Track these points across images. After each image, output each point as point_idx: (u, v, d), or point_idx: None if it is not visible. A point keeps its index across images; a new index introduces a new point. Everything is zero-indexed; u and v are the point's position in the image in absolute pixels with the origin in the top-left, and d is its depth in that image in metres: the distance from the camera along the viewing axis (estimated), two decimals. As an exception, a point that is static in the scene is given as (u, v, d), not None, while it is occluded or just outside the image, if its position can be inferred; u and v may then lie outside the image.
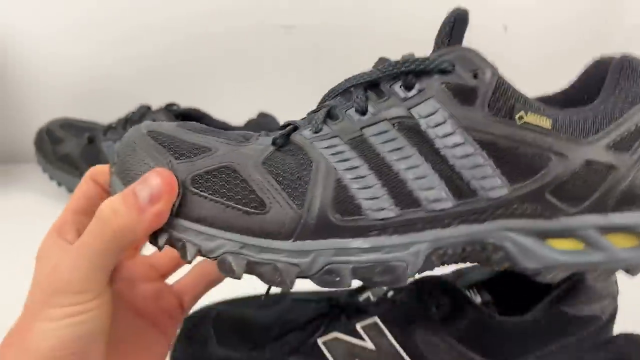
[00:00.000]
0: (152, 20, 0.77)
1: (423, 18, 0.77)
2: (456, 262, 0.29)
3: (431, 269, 0.29)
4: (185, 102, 0.70)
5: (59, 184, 0.67)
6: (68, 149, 0.68)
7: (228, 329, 0.43)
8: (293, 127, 0.30)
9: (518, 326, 0.37)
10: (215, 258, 0.27)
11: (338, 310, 0.41)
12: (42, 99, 0.80)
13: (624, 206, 0.29)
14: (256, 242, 0.27)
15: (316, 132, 0.29)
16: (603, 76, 0.31)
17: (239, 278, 0.27)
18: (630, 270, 0.30)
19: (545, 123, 0.28)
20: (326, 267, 0.27)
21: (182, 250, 0.27)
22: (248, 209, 0.27)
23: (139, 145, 0.28)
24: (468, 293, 0.40)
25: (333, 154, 0.28)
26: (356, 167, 0.28)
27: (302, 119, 0.31)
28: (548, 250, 0.29)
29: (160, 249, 0.28)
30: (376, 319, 0.38)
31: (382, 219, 0.28)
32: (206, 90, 0.76)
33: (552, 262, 0.29)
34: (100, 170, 0.31)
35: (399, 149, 0.28)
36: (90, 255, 0.26)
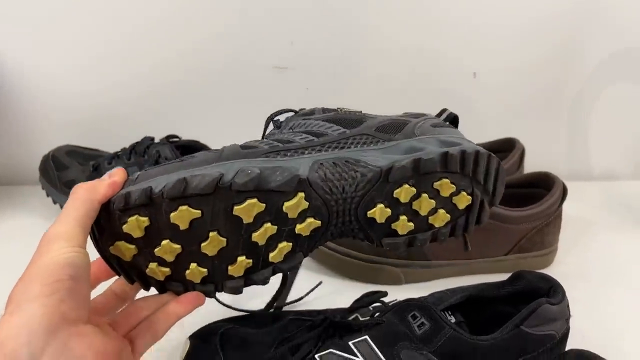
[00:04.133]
0: (154, 59, 0.82)
1: (411, 62, 0.84)
2: (331, 172, 0.40)
3: (316, 174, 0.40)
4: (185, 134, 0.75)
5: (62, 207, 0.71)
6: (73, 175, 0.72)
7: (233, 345, 0.48)
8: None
9: (487, 343, 0.44)
10: (161, 190, 0.36)
11: (332, 329, 0.47)
12: (49, 127, 0.84)
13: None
14: (190, 172, 0.38)
15: None
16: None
17: (182, 195, 0.36)
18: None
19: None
20: (240, 169, 0.37)
21: (142, 192, 0.36)
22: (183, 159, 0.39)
23: None
24: (444, 314, 0.46)
25: None
26: None
27: None
28: (388, 156, 0.42)
29: (131, 200, 0.37)
30: (366, 337, 0.44)
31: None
32: (206, 124, 0.81)
33: (392, 160, 0.41)
34: None
35: None
36: (70, 213, 0.36)
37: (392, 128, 0.45)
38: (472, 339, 0.44)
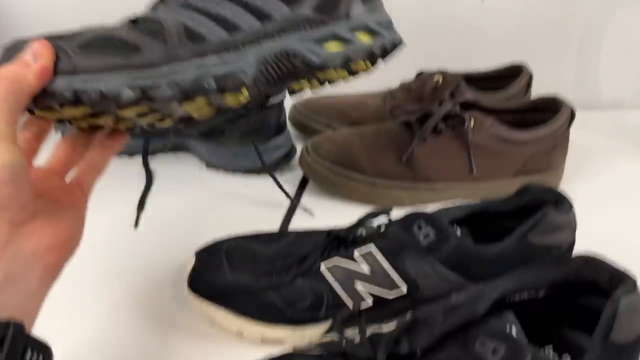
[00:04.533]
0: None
1: None
2: (276, 72, 0.39)
3: (261, 74, 0.38)
4: None
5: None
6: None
7: (238, 259, 0.48)
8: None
9: (492, 253, 0.44)
10: (115, 94, 0.34)
11: (337, 242, 0.47)
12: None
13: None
14: (142, 73, 0.35)
15: None
16: None
17: (137, 103, 0.35)
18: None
19: None
20: (195, 78, 0.36)
21: (89, 96, 0.34)
22: (127, 54, 0.35)
23: (26, 40, 0.35)
24: (450, 226, 0.46)
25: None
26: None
27: None
28: (324, 50, 0.40)
29: (66, 100, 0.34)
30: (372, 247, 0.44)
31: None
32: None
33: (327, 55, 0.39)
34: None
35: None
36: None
37: (328, 8, 0.41)
38: (478, 249, 0.44)
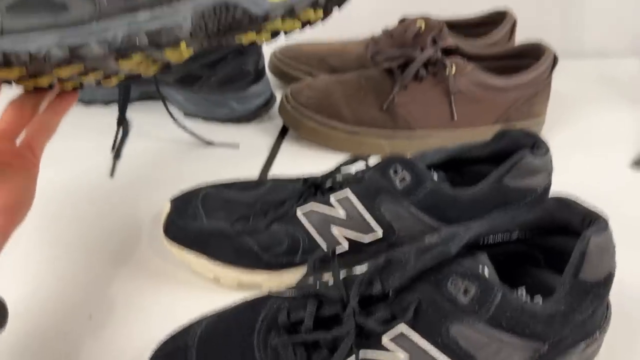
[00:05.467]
0: None
1: None
2: (216, 25, 0.37)
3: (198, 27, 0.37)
4: None
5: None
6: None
7: (214, 205, 0.48)
8: None
9: (468, 196, 0.44)
10: (45, 54, 0.33)
11: (314, 188, 0.47)
12: None
13: None
14: (71, 32, 0.34)
15: None
16: None
17: (69, 62, 0.34)
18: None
19: None
20: (126, 35, 0.35)
21: (17, 58, 0.33)
22: (56, 12, 0.33)
23: None
24: (426, 171, 0.45)
25: None
26: None
27: None
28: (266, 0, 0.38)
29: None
30: (348, 192, 0.44)
31: None
32: None
33: (269, 5, 0.38)
34: None
35: None
36: None
37: None
38: (453, 192, 0.44)
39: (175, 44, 0.36)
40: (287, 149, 0.66)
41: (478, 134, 0.64)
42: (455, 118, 0.63)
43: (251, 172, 0.61)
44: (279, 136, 0.69)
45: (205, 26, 0.37)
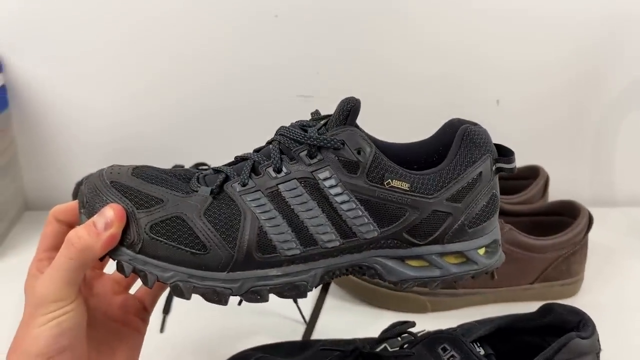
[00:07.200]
0: (184, 91, 0.85)
1: (434, 90, 0.85)
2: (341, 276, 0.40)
3: (325, 283, 0.41)
4: (214, 162, 0.77)
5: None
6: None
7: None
8: (225, 178, 0.39)
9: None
10: (169, 285, 0.37)
11: (361, 358, 0.48)
12: (84, 157, 0.86)
13: (455, 239, 0.40)
14: (200, 274, 0.37)
15: (243, 186, 0.39)
16: (452, 136, 0.41)
17: (189, 299, 0.37)
18: (456, 281, 0.42)
19: (405, 186, 0.38)
20: (251, 289, 0.37)
21: (144, 278, 0.37)
22: (194, 250, 0.36)
23: (104, 194, 0.37)
24: (474, 346, 0.46)
25: (256, 206, 0.38)
26: (273, 218, 0.37)
27: (230, 167, 0.40)
28: (404, 268, 0.40)
29: (126, 276, 0.37)
30: (397, 369, 0.45)
31: (291, 255, 0.38)
32: (234, 151, 0.83)
33: (405, 276, 0.40)
34: (60, 210, 0.39)
35: (304, 202, 0.38)
36: (61, 271, 0.34)
37: (423, 232, 0.39)
38: (503, 374, 0.44)
39: (293, 297, 0.39)
40: (329, 303, 0.67)
41: (518, 293, 0.65)
42: (496, 277, 0.64)
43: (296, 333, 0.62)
44: (322, 291, 0.70)
45: (323, 280, 0.39)
